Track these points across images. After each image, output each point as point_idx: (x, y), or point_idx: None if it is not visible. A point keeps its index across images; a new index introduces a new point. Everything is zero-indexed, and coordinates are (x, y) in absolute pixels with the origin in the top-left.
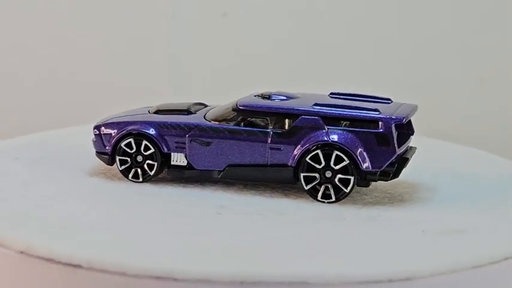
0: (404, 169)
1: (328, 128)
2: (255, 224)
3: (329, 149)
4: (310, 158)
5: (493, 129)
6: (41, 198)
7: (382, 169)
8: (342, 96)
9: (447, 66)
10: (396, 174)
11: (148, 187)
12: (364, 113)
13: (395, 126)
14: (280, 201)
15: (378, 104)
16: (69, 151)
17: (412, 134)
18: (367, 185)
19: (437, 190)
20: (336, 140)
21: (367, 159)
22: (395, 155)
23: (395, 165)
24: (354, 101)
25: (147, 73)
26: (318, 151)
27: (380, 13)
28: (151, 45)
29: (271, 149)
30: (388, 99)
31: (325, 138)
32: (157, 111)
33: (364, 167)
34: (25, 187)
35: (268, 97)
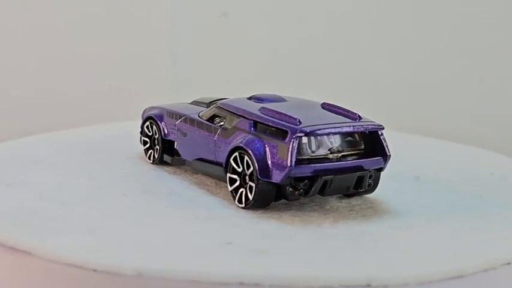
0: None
1: (251, 133)
2: (138, 211)
3: (243, 153)
4: (233, 160)
5: (493, 129)
6: None
7: (278, 182)
8: (327, 107)
9: (447, 66)
10: (309, 192)
11: (136, 166)
12: (279, 122)
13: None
14: (207, 198)
15: (342, 117)
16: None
17: (382, 156)
18: (287, 199)
19: (402, 203)
20: (247, 145)
21: (262, 168)
22: (289, 170)
23: (306, 182)
24: (315, 112)
25: (147, 73)
26: (236, 154)
27: (380, 15)
28: (151, 45)
29: (216, 146)
30: (358, 116)
31: (243, 143)
32: (192, 102)
33: (258, 176)
34: None
35: (250, 98)
